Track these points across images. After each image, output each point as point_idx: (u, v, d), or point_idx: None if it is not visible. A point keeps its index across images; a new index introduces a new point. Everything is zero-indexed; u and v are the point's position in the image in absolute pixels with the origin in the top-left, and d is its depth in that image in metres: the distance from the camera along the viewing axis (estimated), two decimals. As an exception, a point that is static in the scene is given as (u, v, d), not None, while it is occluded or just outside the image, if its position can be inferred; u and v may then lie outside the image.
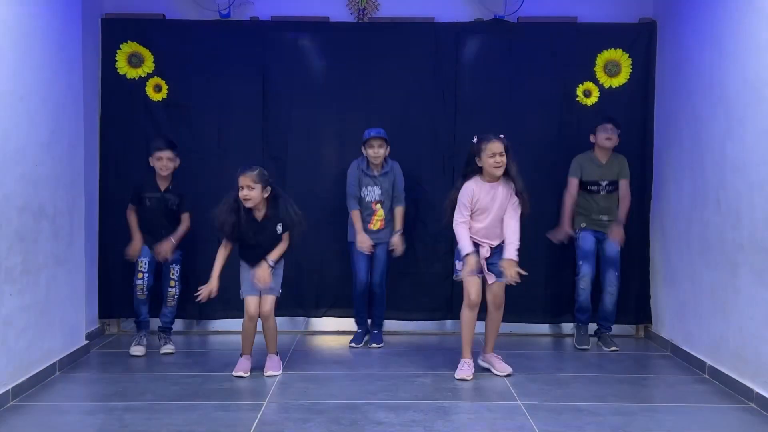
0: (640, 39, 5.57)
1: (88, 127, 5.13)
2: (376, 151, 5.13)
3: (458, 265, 4.51)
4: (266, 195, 4.47)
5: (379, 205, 5.22)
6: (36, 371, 4.23)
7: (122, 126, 5.52)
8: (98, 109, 5.53)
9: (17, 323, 4.02)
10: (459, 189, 4.52)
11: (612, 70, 5.58)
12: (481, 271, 4.46)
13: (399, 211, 5.28)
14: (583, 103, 5.59)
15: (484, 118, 5.57)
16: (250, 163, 4.53)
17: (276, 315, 5.64)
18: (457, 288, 5.61)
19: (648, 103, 5.57)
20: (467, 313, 4.52)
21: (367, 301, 5.37)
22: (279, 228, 4.54)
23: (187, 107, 5.55)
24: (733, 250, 4.29)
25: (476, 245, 4.47)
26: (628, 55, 5.57)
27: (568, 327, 5.70)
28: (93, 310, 5.42)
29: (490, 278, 4.48)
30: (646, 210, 5.60)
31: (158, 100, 5.56)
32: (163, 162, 5.01)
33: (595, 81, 5.59)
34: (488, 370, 4.63)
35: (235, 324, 5.71)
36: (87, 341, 5.02)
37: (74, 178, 4.77)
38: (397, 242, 5.24)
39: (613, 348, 5.23)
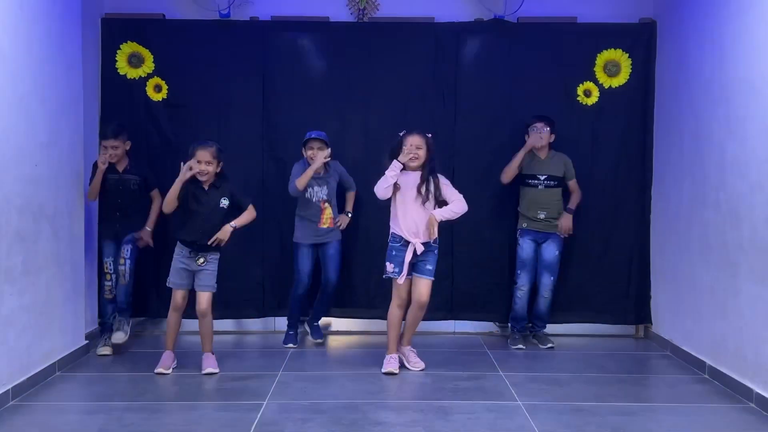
0: (640, 39, 5.57)
1: (88, 127, 5.13)
2: (315, 153, 5.12)
3: (388, 267, 4.59)
4: (218, 171, 4.56)
5: (327, 204, 5.22)
6: (36, 371, 4.23)
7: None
8: (98, 109, 5.53)
9: (17, 323, 4.02)
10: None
11: (612, 70, 5.57)
12: (409, 273, 4.58)
13: (350, 195, 5.40)
14: (583, 103, 5.59)
15: (484, 118, 5.59)
16: (206, 141, 4.60)
17: (275, 315, 5.70)
18: (458, 288, 5.65)
19: (648, 103, 5.57)
20: (396, 312, 4.65)
21: (305, 303, 5.39)
22: (224, 202, 4.56)
23: (187, 107, 5.56)
24: (733, 250, 4.28)
25: (407, 243, 4.55)
26: (628, 55, 5.56)
27: (568, 327, 5.69)
28: (93, 310, 5.41)
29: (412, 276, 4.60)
30: (647, 210, 5.59)
31: (158, 100, 5.57)
32: (108, 151, 4.90)
33: (595, 81, 5.58)
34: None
35: (234, 324, 5.75)
36: (87, 341, 5.01)
37: (74, 178, 4.77)
38: (343, 218, 5.34)
39: (550, 345, 5.29)
